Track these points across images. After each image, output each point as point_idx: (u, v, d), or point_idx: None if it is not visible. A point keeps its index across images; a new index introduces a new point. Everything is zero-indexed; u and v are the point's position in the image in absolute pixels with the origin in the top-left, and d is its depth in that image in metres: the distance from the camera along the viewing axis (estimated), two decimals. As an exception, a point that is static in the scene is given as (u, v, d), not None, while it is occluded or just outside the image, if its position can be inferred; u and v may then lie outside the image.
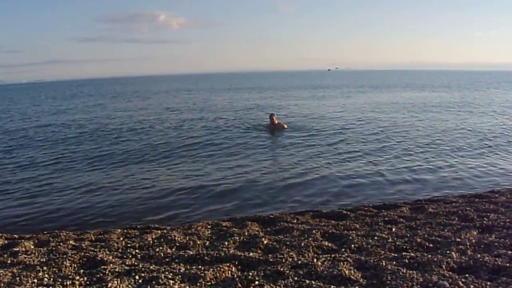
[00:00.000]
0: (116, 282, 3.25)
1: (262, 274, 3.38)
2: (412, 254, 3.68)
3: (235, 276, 3.38)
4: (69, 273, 3.56)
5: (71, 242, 4.65)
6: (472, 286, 2.95)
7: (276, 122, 14.13)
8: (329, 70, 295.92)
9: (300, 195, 7.02)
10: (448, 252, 3.71)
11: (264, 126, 14.47)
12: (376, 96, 31.28)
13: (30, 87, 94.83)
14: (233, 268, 3.58)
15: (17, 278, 3.42)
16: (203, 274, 3.37)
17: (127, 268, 3.61)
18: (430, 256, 3.59)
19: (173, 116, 19.61)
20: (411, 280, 3.09)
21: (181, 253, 4.03)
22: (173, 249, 4.25)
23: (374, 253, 3.84)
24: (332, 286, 3.07)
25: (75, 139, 13.44)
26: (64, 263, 3.77)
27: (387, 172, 8.34)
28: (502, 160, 9.29)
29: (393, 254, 3.80)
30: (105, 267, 3.61)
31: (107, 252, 4.14)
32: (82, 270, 3.64)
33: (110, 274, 3.48)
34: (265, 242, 4.32)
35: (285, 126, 14.17)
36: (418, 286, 3.00)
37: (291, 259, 3.74)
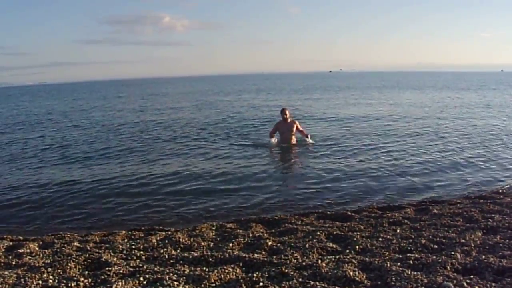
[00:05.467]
0: (120, 283, 3.27)
1: (267, 275, 3.38)
2: (416, 255, 3.67)
3: (240, 277, 3.39)
4: (74, 275, 3.58)
5: (75, 243, 4.67)
6: (477, 287, 2.94)
7: (290, 120, 11.31)
8: (330, 72, 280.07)
9: (304, 196, 7.01)
10: (452, 253, 3.69)
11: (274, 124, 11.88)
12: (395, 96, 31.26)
13: (46, 89, 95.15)
14: (238, 269, 3.58)
15: (22, 280, 3.44)
16: (207, 276, 3.38)
17: (132, 269, 3.62)
18: (434, 257, 3.58)
19: (178, 117, 19.65)
20: (415, 281, 3.08)
21: (185, 254, 4.04)
22: (178, 251, 4.25)
23: (379, 255, 3.83)
24: (336, 288, 3.07)
25: (75, 141, 13.50)
26: (69, 264, 3.78)
27: (391, 173, 8.32)
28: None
29: (397, 255, 3.79)
30: (110, 268, 3.62)
31: (112, 254, 4.15)
32: (86, 272, 3.65)
33: (114, 275, 3.49)
34: (270, 243, 4.32)
35: (301, 128, 11.35)
36: (423, 287, 2.99)
37: (295, 260, 3.74)
